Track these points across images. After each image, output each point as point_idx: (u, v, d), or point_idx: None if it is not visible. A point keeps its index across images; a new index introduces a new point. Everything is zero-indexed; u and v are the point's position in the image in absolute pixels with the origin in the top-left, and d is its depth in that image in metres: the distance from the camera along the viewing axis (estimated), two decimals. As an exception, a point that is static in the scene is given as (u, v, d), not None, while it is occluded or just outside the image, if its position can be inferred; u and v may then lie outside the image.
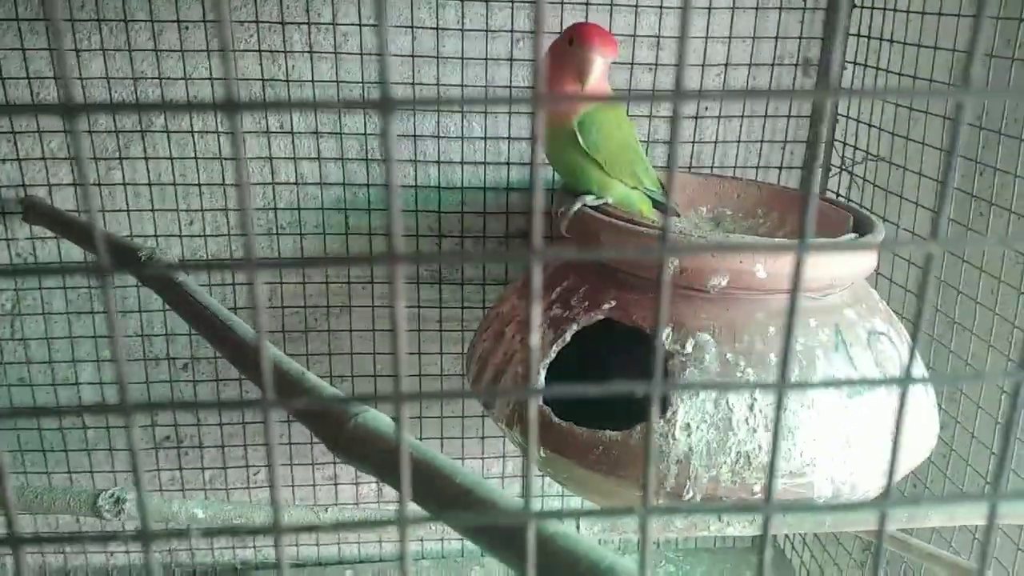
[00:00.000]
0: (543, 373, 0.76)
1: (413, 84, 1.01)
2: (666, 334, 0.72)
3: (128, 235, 1.04)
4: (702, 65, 1.04)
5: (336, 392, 0.52)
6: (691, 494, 0.68)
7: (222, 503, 0.69)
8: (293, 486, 1.18)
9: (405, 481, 0.19)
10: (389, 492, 1.18)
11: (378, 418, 0.49)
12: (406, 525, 0.19)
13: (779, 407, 0.19)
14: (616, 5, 1.00)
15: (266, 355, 0.19)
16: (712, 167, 1.09)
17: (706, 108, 1.07)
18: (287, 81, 1.00)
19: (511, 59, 1.01)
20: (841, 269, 0.74)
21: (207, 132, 1.01)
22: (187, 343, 1.10)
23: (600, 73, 0.73)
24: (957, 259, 0.88)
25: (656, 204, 0.87)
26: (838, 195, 1.07)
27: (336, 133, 1.03)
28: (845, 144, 1.06)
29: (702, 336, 0.72)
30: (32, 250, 1.04)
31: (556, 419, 0.73)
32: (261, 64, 0.99)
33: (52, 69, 0.96)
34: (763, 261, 0.70)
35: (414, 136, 1.04)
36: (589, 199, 0.79)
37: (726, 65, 1.05)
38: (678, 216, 0.89)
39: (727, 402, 0.69)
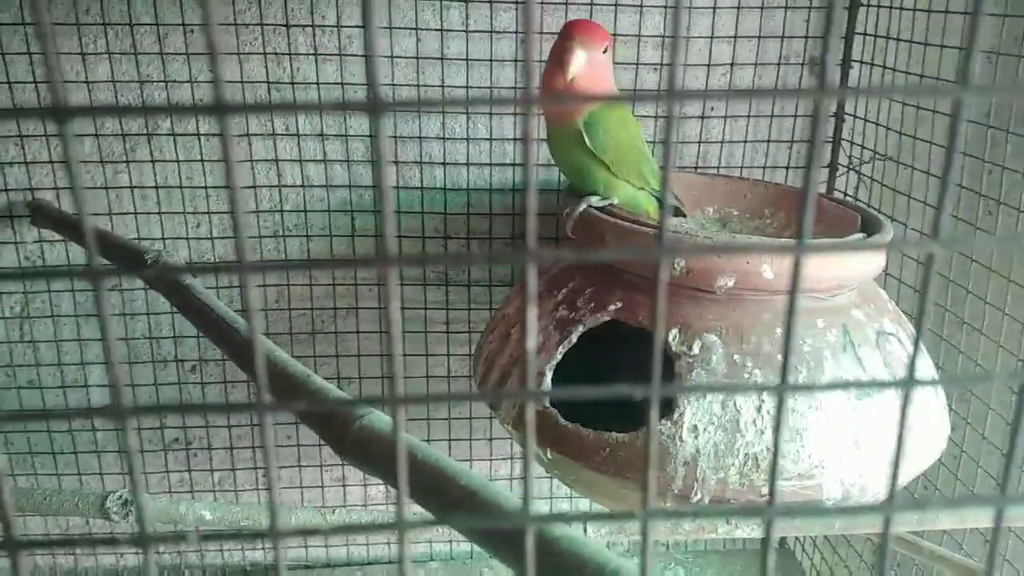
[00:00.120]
0: (549, 375, 0.75)
1: (418, 86, 1.01)
2: (673, 335, 0.72)
3: (135, 238, 1.04)
4: (707, 65, 1.04)
5: (340, 395, 0.51)
6: (699, 496, 0.68)
7: (230, 505, 0.69)
8: (301, 487, 1.18)
9: (403, 485, 0.19)
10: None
11: (383, 420, 0.49)
12: (405, 529, 0.19)
13: (780, 409, 0.19)
14: (620, 5, 1.00)
15: (260, 358, 0.19)
16: (718, 167, 1.09)
17: (712, 108, 1.06)
18: (292, 83, 1.00)
19: (516, 60, 1.01)
20: (849, 269, 0.73)
21: (213, 135, 1.02)
22: (195, 345, 1.11)
23: (585, 64, 0.71)
24: (966, 259, 0.88)
25: (664, 205, 0.87)
26: (845, 195, 1.07)
27: (342, 135, 1.03)
28: (852, 143, 1.05)
29: (709, 337, 0.71)
30: (40, 253, 1.04)
31: (562, 421, 0.73)
32: (266, 67, 1.00)
33: (58, 73, 0.97)
34: (770, 262, 0.70)
35: (419, 138, 1.04)
36: (595, 200, 0.79)
37: (731, 65, 1.05)
38: (684, 216, 0.89)
39: (735, 404, 0.69)
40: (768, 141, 1.09)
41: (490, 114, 1.04)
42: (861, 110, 1.03)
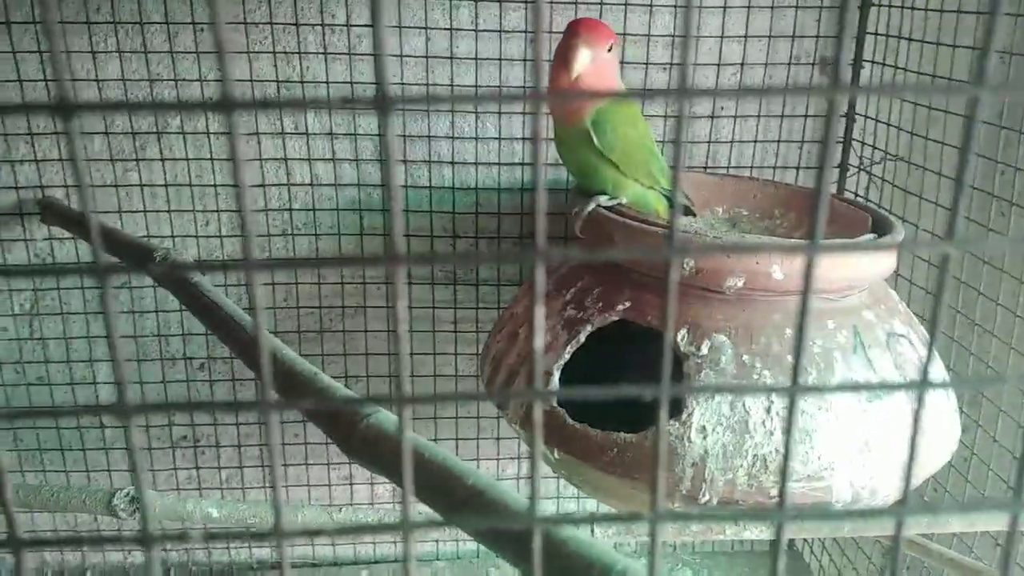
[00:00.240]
0: (557, 374, 0.75)
1: (427, 85, 1.01)
2: (681, 335, 0.71)
3: (145, 236, 1.04)
4: (717, 64, 1.04)
5: (347, 393, 0.51)
6: (707, 497, 0.68)
7: (237, 503, 0.69)
8: (308, 486, 1.18)
9: (408, 485, 0.18)
10: (404, 493, 1.18)
11: (390, 419, 0.48)
12: (410, 530, 0.19)
13: (792, 411, 0.19)
14: (630, 5, 1.00)
15: (265, 356, 0.18)
16: (728, 167, 1.08)
17: (722, 107, 1.06)
18: (302, 82, 1.00)
19: (525, 59, 1.01)
20: (859, 270, 0.73)
21: (222, 133, 1.02)
22: (203, 343, 1.11)
23: (589, 62, 0.71)
24: (977, 260, 0.87)
25: (673, 204, 0.86)
26: (856, 195, 1.06)
27: (351, 134, 1.03)
28: (863, 144, 1.05)
29: (718, 337, 0.71)
30: (50, 251, 1.05)
31: (570, 421, 0.73)
32: (276, 65, 1.00)
33: (69, 72, 0.97)
34: (780, 262, 0.70)
35: (428, 137, 1.04)
36: (603, 199, 0.78)
37: (742, 64, 1.04)
38: (693, 216, 0.88)
39: (743, 404, 0.68)
40: (779, 141, 1.08)
41: (499, 113, 1.03)
42: (872, 110, 1.02)
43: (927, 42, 0.89)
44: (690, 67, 0.17)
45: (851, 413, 0.68)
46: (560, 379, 0.75)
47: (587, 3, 0.99)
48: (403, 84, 1.01)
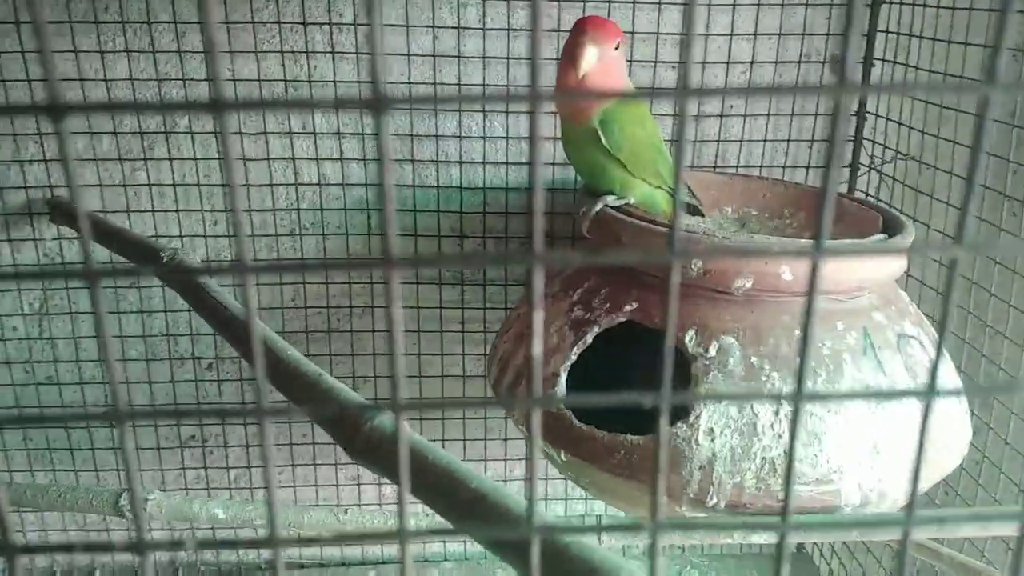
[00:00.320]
0: (564, 375, 0.75)
1: (435, 84, 1.01)
2: (689, 337, 0.71)
3: (153, 235, 1.04)
4: (727, 63, 1.03)
5: (351, 396, 0.51)
6: (714, 501, 0.67)
7: (243, 504, 0.69)
8: (316, 486, 1.18)
9: (403, 493, 0.18)
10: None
11: (393, 422, 0.48)
12: (407, 539, 0.18)
13: (796, 420, 0.18)
14: (639, 3, 0.99)
15: (259, 361, 0.18)
16: (738, 166, 1.08)
17: (731, 106, 1.05)
18: (309, 81, 1.00)
19: (532, 58, 1.00)
20: (869, 271, 0.72)
21: (231, 133, 1.01)
22: (212, 343, 1.11)
23: (596, 60, 0.70)
24: (989, 261, 0.86)
25: (677, 204, 0.86)
26: (867, 195, 1.05)
27: (358, 134, 1.03)
28: (874, 143, 1.04)
29: (726, 339, 0.70)
30: (59, 250, 1.05)
31: (577, 423, 0.72)
32: (283, 64, 1.00)
33: (77, 71, 0.97)
34: (789, 263, 0.69)
35: (436, 136, 1.03)
36: (611, 199, 0.78)
37: (751, 63, 1.03)
38: (702, 216, 0.88)
39: (752, 407, 0.68)
40: (788, 140, 1.07)
41: (506, 112, 1.03)
42: (883, 109, 1.02)
43: (938, 40, 0.88)
44: (693, 66, 0.17)
45: (860, 416, 0.68)
46: (567, 380, 0.75)
47: (595, 1, 0.98)
48: (410, 83, 1.01)
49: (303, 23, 0.98)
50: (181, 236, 1.05)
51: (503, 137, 1.04)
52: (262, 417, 0.18)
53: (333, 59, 1.00)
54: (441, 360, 1.12)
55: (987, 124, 0.17)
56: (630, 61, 1.00)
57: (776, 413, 0.68)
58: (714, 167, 1.07)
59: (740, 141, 1.07)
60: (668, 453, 0.68)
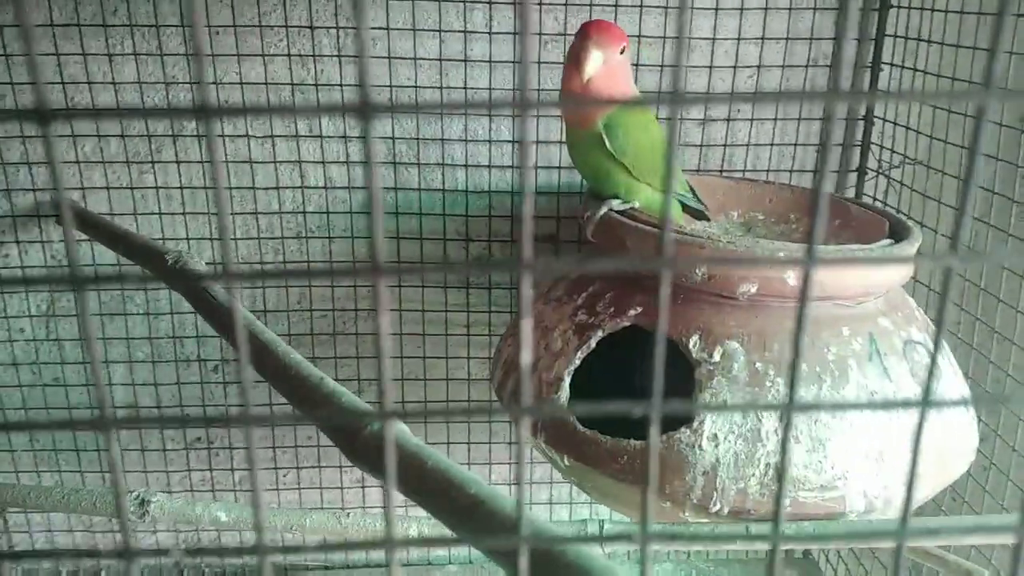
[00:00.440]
0: (567, 379, 0.75)
1: (441, 88, 1.01)
2: (693, 342, 0.70)
3: (160, 238, 1.05)
4: (734, 67, 1.03)
5: (353, 400, 0.51)
6: (718, 507, 0.67)
7: (244, 507, 0.69)
8: (321, 488, 1.18)
9: (390, 501, 0.18)
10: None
11: (395, 426, 0.48)
12: (394, 548, 0.18)
13: (787, 430, 0.18)
14: (646, 7, 0.99)
15: (246, 371, 0.18)
16: (744, 170, 1.07)
17: (738, 110, 1.05)
18: (316, 85, 1.00)
19: (539, 62, 1.00)
20: (875, 277, 0.72)
21: (237, 136, 1.02)
22: (217, 345, 1.11)
23: (601, 64, 0.70)
24: (998, 266, 0.85)
25: (687, 208, 0.85)
26: (875, 199, 1.05)
27: (364, 137, 1.03)
28: (882, 147, 1.03)
29: (731, 344, 0.70)
30: (67, 252, 1.05)
31: (580, 427, 0.72)
32: (291, 68, 1.00)
33: (85, 74, 0.98)
34: (794, 268, 0.69)
35: (442, 140, 1.03)
36: (615, 203, 0.78)
37: (759, 67, 1.03)
38: (707, 220, 0.88)
39: (756, 412, 0.67)
40: (795, 144, 1.07)
41: (512, 116, 1.03)
42: (891, 113, 1.01)
43: (947, 44, 0.88)
44: (683, 71, 0.16)
45: (865, 422, 0.67)
46: (571, 384, 0.75)
47: (602, 4, 0.98)
48: (416, 87, 1.01)
49: (310, 27, 0.98)
50: (188, 239, 1.05)
51: (509, 141, 1.04)
52: (248, 425, 0.18)
53: (340, 63, 1.00)
54: (446, 363, 1.12)
55: (983, 130, 0.17)
56: (637, 65, 1.00)
57: (780, 418, 0.67)
58: (720, 171, 1.07)
59: (747, 145, 1.07)
60: (659, 461, 0.67)
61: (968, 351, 0.90)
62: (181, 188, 1.04)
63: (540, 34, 1.00)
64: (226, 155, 1.03)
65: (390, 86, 1.01)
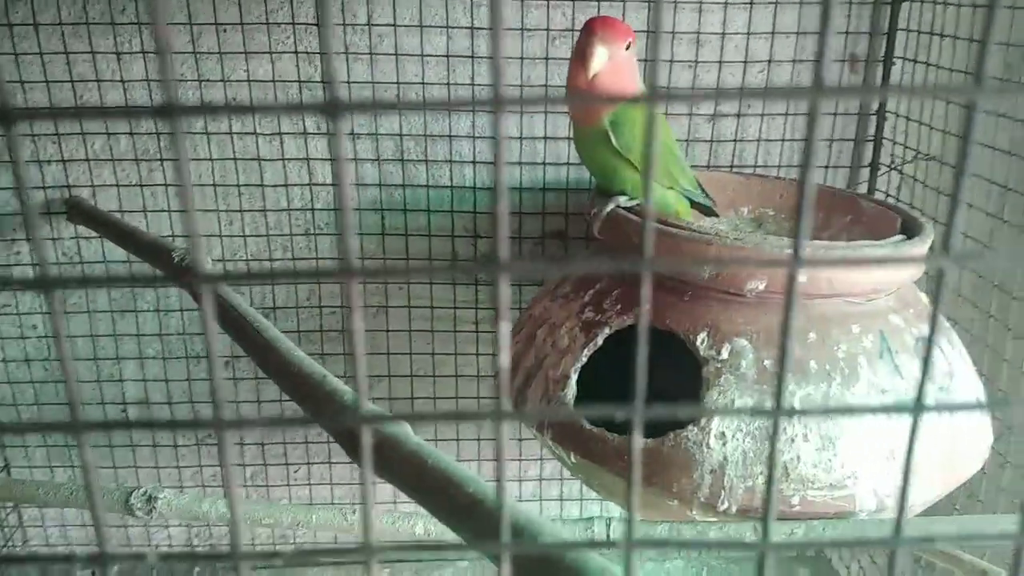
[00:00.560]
0: (574, 377, 0.74)
1: (448, 84, 1.00)
2: (701, 339, 0.70)
3: (170, 235, 1.05)
4: (744, 62, 1.02)
5: (353, 399, 0.51)
6: (725, 505, 0.66)
7: (251, 503, 0.69)
8: (331, 484, 1.18)
9: (368, 510, 0.18)
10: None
11: (397, 424, 0.48)
12: (372, 556, 0.18)
13: (774, 436, 0.18)
14: (654, 2, 0.98)
15: (217, 371, 0.18)
16: (755, 166, 1.06)
17: (748, 105, 1.04)
18: (323, 82, 1.00)
19: (547, 58, 1.00)
20: (885, 273, 0.71)
21: (245, 133, 1.02)
22: (228, 341, 1.11)
23: (607, 60, 0.69)
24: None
25: (695, 204, 0.85)
26: (887, 195, 1.03)
27: (372, 134, 1.03)
28: (894, 142, 1.02)
29: (739, 342, 0.69)
30: (77, 249, 1.06)
31: (587, 424, 0.72)
32: (297, 66, 1.00)
33: (94, 72, 0.98)
34: (816, 263, 0.68)
35: (449, 136, 1.03)
36: (622, 200, 0.77)
37: (769, 61, 1.02)
38: (716, 216, 0.87)
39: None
40: (806, 140, 1.05)
41: (520, 112, 1.03)
42: (904, 108, 1.00)
43: (959, 38, 0.86)
44: (662, 66, 0.16)
45: (876, 420, 0.66)
46: (577, 381, 0.74)
47: (610, 0, 0.98)
48: (424, 84, 1.00)
49: (317, 24, 0.98)
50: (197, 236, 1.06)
51: (517, 137, 1.03)
52: (222, 429, 0.17)
53: (347, 60, 1.00)
54: (455, 360, 1.12)
55: (974, 126, 0.16)
56: (645, 60, 0.99)
57: (790, 416, 0.66)
58: (731, 167, 1.06)
59: (757, 141, 1.06)
60: (666, 460, 0.67)
61: (983, 350, 0.88)
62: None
63: (548, 30, 0.99)
64: (234, 153, 1.03)
65: (397, 83, 1.01)
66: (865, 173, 1.06)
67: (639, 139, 0.74)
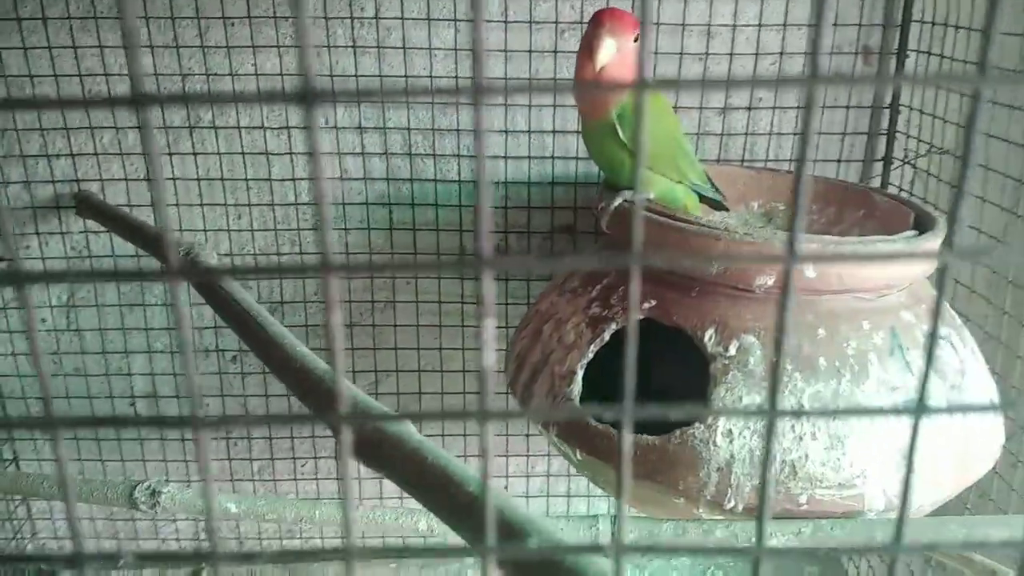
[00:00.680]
0: (580, 372, 0.74)
1: (456, 77, 1.00)
2: (709, 335, 0.69)
3: (178, 229, 1.05)
4: (755, 54, 1.00)
5: (355, 394, 0.51)
6: (732, 504, 0.65)
7: (254, 498, 0.69)
8: (338, 479, 1.18)
9: (349, 511, 0.17)
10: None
11: (397, 423, 0.47)
12: (353, 559, 0.18)
13: (770, 437, 0.17)
14: (663, -7, 0.97)
15: (191, 367, 0.17)
16: (766, 160, 1.05)
17: (760, 98, 1.03)
18: (331, 76, 1.00)
19: (556, 51, 0.99)
20: (897, 268, 0.70)
21: (253, 128, 1.02)
22: (235, 335, 1.11)
23: (615, 52, 0.68)
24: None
25: (704, 198, 0.84)
26: (900, 189, 1.02)
27: (380, 128, 1.02)
28: (908, 136, 1.01)
29: (747, 338, 0.68)
30: (86, 244, 1.06)
31: (593, 421, 0.71)
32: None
33: (102, 66, 0.98)
34: (812, 260, 0.67)
35: (457, 130, 1.02)
36: (630, 194, 0.76)
37: (780, 53, 1.01)
38: (726, 211, 0.86)
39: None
40: (819, 133, 1.04)
41: (529, 106, 1.02)
42: (917, 101, 0.98)
43: (974, 29, 0.85)
44: (650, 56, 0.15)
45: (887, 418, 0.65)
46: (583, 377, 0.74)
47: (620, -8, 0.97)
48: (432, 77, 1.00)
49: (324, 17, 0.98)
50: (205, 230, 1.06)
51: (525, 131, 1.02)
52: (198, 428, 0.17)
53: (355, 53, 0.99)
54: (462, 355, 1.12)
55: (979, 118, 0.15)
56: (655, 53, 0.98)
57: (797, 415, 0.65)
58: (742, 161, 1.05)
59: (769, 134, 1.04)
60: (673, 457, 0.66)
61: (996, 346, 0.87)
62: (198, 179, 1.04)
63: (557, 23, 0.98)
64: (242, 147, 1.03)
65: (405, 76, 1.00)
66: (879, 167, 1.05)
67: (647, 132, 0.73)
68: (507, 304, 1.09)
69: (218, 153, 1.03)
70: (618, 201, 0.76)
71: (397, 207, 1.05)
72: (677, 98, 1.01)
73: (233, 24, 0.98)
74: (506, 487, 1.19)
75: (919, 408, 0.17)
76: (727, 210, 0.86)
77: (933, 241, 0.72)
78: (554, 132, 1.02)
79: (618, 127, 0.73)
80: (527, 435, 1.16)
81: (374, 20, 0.98)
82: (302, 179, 1.04)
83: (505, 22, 0.98)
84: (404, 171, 1.04)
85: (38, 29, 0.96)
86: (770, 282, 0.68)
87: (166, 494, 0.68)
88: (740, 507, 0.66)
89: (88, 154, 1.02)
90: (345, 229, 1.06)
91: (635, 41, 0.71)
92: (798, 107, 1.03)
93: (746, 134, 1.05)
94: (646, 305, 0.72)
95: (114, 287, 1.08)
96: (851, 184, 0.95)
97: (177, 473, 1.16)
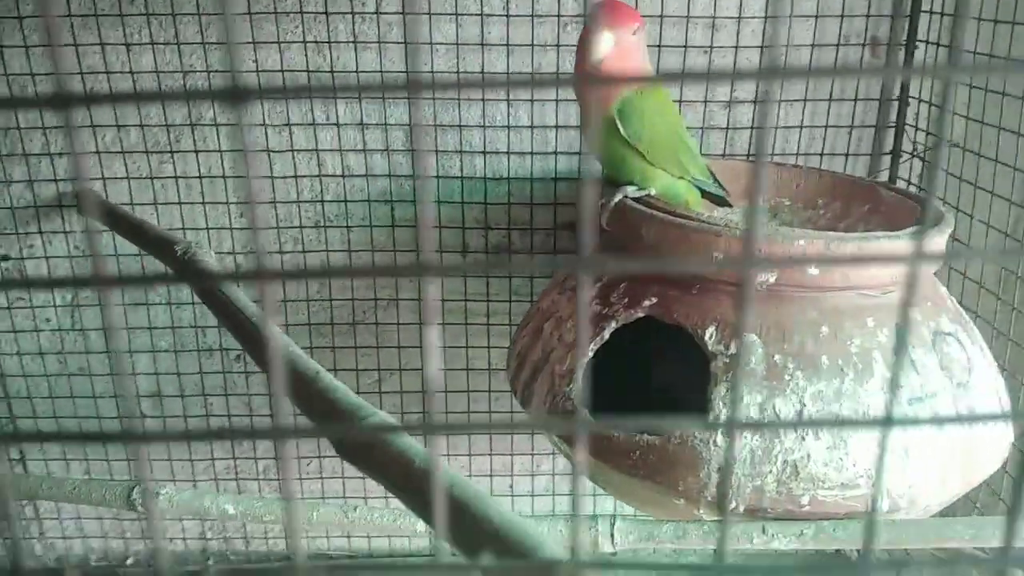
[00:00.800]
0: (580, 371, 0.73)
1: (458, 72, 0.99)
2: (710, 333, 0.68)
3: (180, 227, 1.05)
4: (761, 47, 0.99)
5: (347, 397, 0.50)
6: (733, 504, 0.64)
7: (252, 499, 0.69)
8: (343, 478, 1.17)
9: (296, 523, 0.16)
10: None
11: (386, 423, 0.47)
12: (298, 575, 0.17)
13: (730, 447, 0.16)
14: (664, -14, 0.96)
15: (126, 381, 0.17)
16: (773, 154, 1.04)
17: (765, 92, 1.01)
18: (332, 72, 0.99)
19: (558, 45, 0.98)
20: (901, 265, 0.68)
21: (254, 125, 1.01)
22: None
23: (612, 46, 0.67)
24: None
25: (706, 194, 0.83)
26: (908, 183, 1.01)
27: (382, 124, 1.02)
28: (917, 128, 0.99)
29: (748, 336, 0.67)
30: (88, 242, 1.06)
31: (593, 422, 0.70)
32: (306, 55, 0.99)
33: (103, 64, 0.98)
34: (815, 256, 0.66)
35: (460, 126, 1.02)
36: (631, 190, 0.75)
37: (787, 46, 0.99)
38: (729, 207, 0.85)
39: (774, 407, 0.65)
40: (826, 127, 1.03)
41: (531, 101, 1.01)
42: (926, 93, 0.97)
43: (983, 19, 0.83)
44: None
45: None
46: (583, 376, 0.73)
47: (622, -14, 0.95)
48: (433, 72, 0.99)
49: (325, 12, 0.97)
50: (207, 228, 1.05)
51: (528, 126, 1.02)
52: (136, 444, 0.16)
53: (356, 48, 0.99)
54: (466, 353, 1.11)
55: (947, 110, 0.14)
56: (660, 46, 0.97)
57: (800, 414, 0.64)
58: (747, 155, 1.04)
59: (776, 128, 1.03)
60: (672, 458, 0.65)
61: (1006, 343, 0.86)
62: (200, 177, 1.03)
63: (559, 16, 0.97)
64: (243, 144, 1.02)
65: (407, 72, 0.99)
66: (887, 161, 1.03)
67: (648, 127, 0.72)
68: (511, 301, 1.08)
69: (220, 151, 1.03)
70: (618, 197, 0.75)
71: (399, 204, 1.05)
72: (681, 91, 1.00)
73: (234, 20, 0.97)
74: (511, 485, 1.18)
75: (887, 420, 0.16)
76: (731, 206, 0.85)
77: (938, 237, 0.70)
78: (556, 127, 1.01)
79: (619, 122, 0.72)
80: (532, 434, 1.15)
81: (375, 15, 0.98)
82: (304, 176, 1.04)
83: (507, 16, 0.97)
84: (406, 167, 1.04)
85: (39, 27, 0.96)
86: (772, 279, 0.67)
87: (164, 496, 0.68)
88: (741, 508, 0.65)
89: (90, 152, 1.02)
90: (348, 227, 1.06)
91: (634, 34, 0.69)
92: (804, 100, 1.02)
93: (751, 128, 1.03)
94: (647, 303, 0.71)
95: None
96: (858, 178, 0.93)
97: (183, 472, 1.16)
